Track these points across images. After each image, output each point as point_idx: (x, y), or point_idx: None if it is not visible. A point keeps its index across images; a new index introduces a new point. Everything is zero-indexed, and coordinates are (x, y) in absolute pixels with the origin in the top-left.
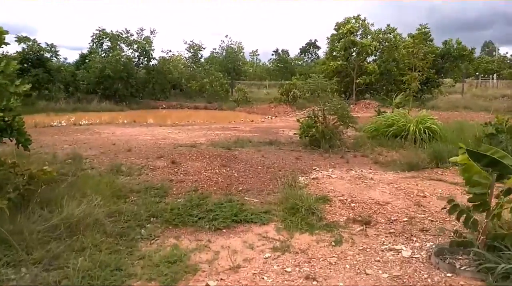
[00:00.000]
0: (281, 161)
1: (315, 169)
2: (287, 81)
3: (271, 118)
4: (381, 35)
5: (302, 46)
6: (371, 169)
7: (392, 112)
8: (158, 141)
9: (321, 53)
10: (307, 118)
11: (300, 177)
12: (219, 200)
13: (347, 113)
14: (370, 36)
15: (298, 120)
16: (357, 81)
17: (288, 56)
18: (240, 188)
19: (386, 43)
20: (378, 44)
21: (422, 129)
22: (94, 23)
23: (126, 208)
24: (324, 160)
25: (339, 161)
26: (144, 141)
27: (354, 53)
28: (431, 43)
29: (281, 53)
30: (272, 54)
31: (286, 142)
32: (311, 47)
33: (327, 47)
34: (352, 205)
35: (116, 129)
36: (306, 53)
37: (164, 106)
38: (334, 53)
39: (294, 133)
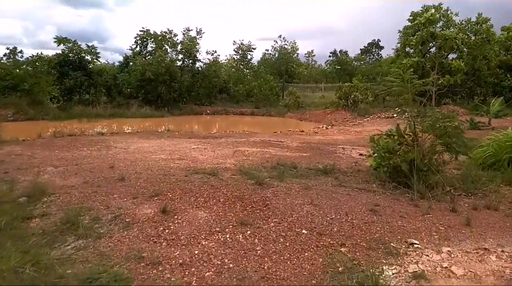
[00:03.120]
0: (344, 216)
1: (412, 243)
2: (346, 83)
3: (326, 128)
4: (469, 26)
5: (364, 47)
6: None
7: (489, 122)
8: (171, 163)
9: (384, 53)
10: (384, 136)
11: (385, 268)
12: None
13: (459, 133)
14: (453, 29)
15: (372, 140)
16: (439, 82)
17: (347, 57)
18: None
19: (477, 37)
20: (465, 37)
21: None
22: (158, 26)
23: None
24: (422, 217)
25: (452, 221)
26: (154, 163)
27: (433, 48)
28: None
29: (339, 54)
30: (330, 56)
31: (349, 171)
32: (373, 48)
33: (398, 43)
34: None
35: (134, 143)
36: (368, 54)
37: (208, 111)
38: (407, 48)
39: (360, 155)
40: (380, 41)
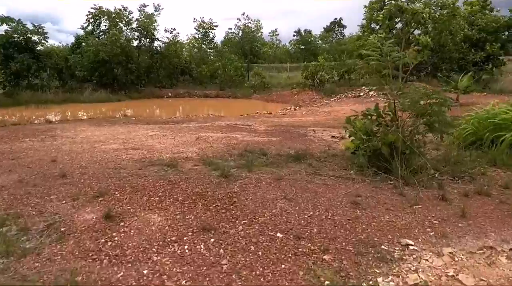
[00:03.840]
0: (323, 212)
1: (406, 244)
2: (312, 62)
3: (294, 109)
4: (435, 1)
5: (326, 25)
6: None
7: (458, 99)
8: (123, 154)
9: (347, 32)
10: (361, 116)
11: (380, 280)
12: None
13: (442, 112)
14: (418, 4)
15: (348, 121)
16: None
17: (311, 36)
18: None
19: (443, 11)
20: (432, 11)
21: None
22: (112, 4)
23: None
24: (411, 209)
25: (444, 212)
26: (103, 155)
27: (399, 24)
28: (491, 13)
29: (303, 33)
30: (294, 35)
31: (323, 156)
32: (336, 26)
33: (363, 19)
34: None
35: (83, 131)
36: (331, 33)
37: (170, 94)
38: (373, 24)
39: (332, 137)
40: (342, 19)
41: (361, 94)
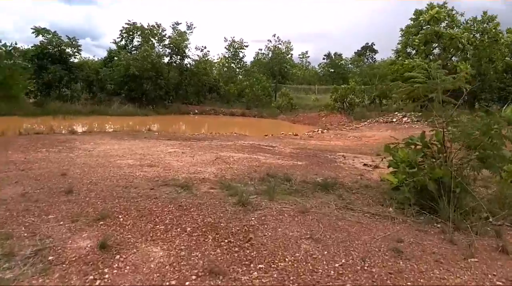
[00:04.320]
0: (358, 261)
1: None
2: (342, 85)
3: (322, 132)
4: (475, 25)
5: (358, 50)
6: None
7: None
8: (138, 171)
9: (378, 57)
10: (403, 145)
11: None
12: None
13: (499, 145)
14: (457, 29)
15: (387, 150)
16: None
17: (342, 59)
18: None
19: (483, 36)
20: (471, 36)
21: None
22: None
23: None
24: (465, 263)
25: (507, 269)
26: (117, 170)
27: (436, 49)
28: None
29: (333, 57)
30: (324, 58)
31: (355, 187)
32: (367, 51)
33: (398, 43)
34: None
35: (102, 144)
36: (362, 57)
37: (196, 111)
38: (409, 49)
39: (365, 165)
40: (374, 44)
41: (394, 120)
